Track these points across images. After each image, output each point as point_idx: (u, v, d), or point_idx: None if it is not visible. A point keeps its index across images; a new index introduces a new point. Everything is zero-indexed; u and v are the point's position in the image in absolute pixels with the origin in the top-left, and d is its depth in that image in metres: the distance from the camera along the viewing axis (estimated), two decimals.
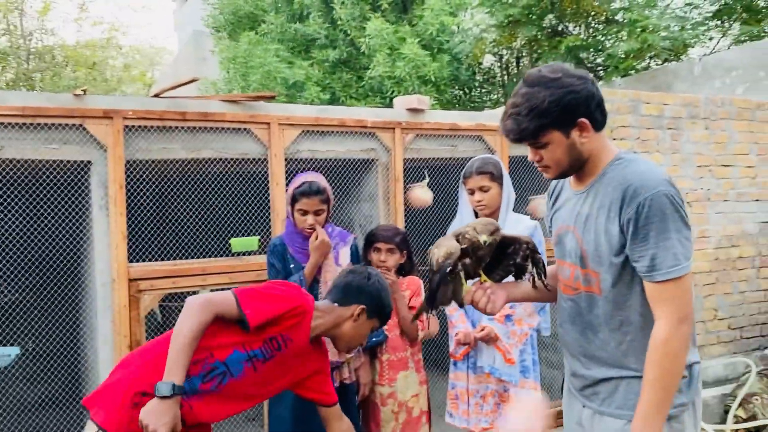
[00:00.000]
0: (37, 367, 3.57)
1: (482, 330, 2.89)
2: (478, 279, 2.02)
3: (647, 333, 1.71)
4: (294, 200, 2.83)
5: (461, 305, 2.06)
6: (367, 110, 3.66)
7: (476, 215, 2.98)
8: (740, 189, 5.13)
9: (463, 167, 3.06)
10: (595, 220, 1.77)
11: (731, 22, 8.54)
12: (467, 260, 1.98)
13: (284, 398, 2.85)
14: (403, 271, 3.14)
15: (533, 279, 2.04)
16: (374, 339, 3.00)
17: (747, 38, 7.92)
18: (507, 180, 2.96)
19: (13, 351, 3.21)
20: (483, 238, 1.93)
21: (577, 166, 1.81)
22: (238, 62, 9.39)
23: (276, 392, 2.24)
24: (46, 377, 4.36)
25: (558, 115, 1.70)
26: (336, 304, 2.22)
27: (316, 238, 2.81)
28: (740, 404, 4.27)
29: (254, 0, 10.94)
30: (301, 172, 3.00)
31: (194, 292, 3.17)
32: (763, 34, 7.85)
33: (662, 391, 1.65)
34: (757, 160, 5.21)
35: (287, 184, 3.33)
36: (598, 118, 1.76)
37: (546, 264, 2.09)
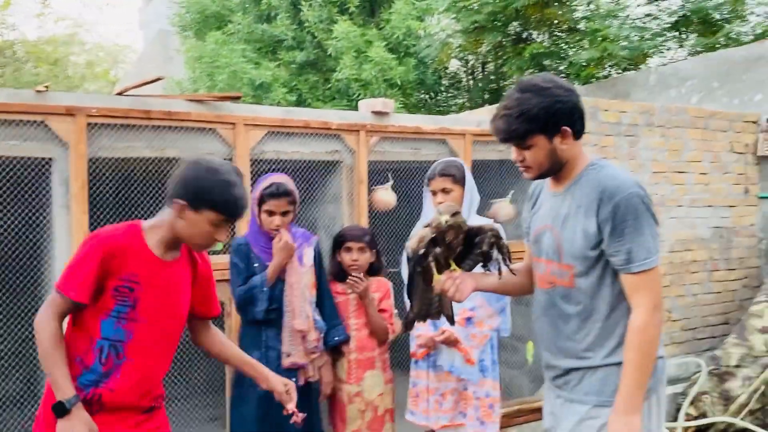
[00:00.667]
0: None
1: (443, 333, 2.95)
2: (450, 269, 2.11)
3: (611, 323, 1.91)
4: (261, 201, 2.86)
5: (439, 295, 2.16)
6: (333, 112, 3.71)
7: None
8: (694, 195, 5.31)
9: (427, 170, 3.12)
10: (573, 219, 1.93)
11: (688, 34, 8.82)
12: (438, 249, 2.05)
13: (248, 397, 2.87)
14: (372, 270, 3.18)
15: (499, 266, 2.13)
16: (336, 338, 3.03)
17: (702, 49, 8.19)
18: (470, 183, 3.03)
19: None
20: (444, 218, 2.02)
21: (556, 169, 1.97)
22: (204, 62, 9.34)
23: (184, 315, 2.16)
24: (4, 376, 4.29)
25: (545, 121, 1.87)
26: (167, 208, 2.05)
27: (280, 240, 2.84)
28: (691, 402, 4.43)
29: (221, 0, 10.89)
30: (267, 173, 3.03)
31: None
32: (717, 46, 8.13)
33: (640, 372, 1.83)
34: (709, 167, 5.40)
35: (252, 185, 3.35)
36: (578, 128, 1.94)
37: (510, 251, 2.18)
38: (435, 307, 2.21)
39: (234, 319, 3.28)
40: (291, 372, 2.87)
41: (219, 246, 3.32)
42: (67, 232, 2.92)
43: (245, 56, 9.18)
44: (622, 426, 1.81)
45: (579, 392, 1.96)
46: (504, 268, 2.14)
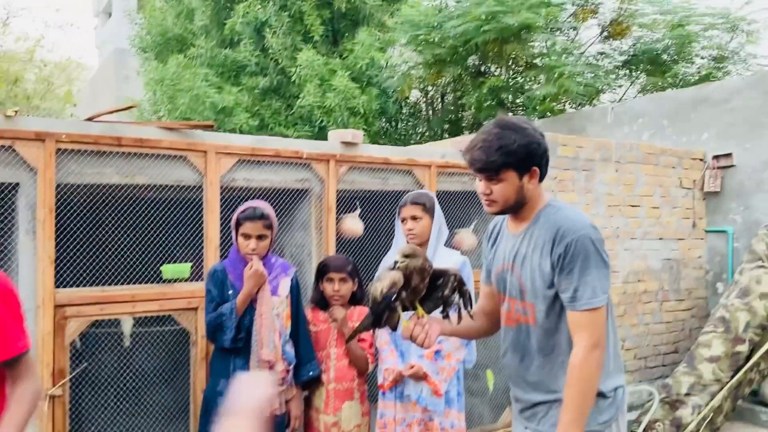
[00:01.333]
0: None
1: (411, 368, 2.99)
2: (413, 312, 2.12)
3: (568, 360, 1.95)
4: (238, 224, 2.87)
5: (394, 329, 2.19)
6: (303, 142, 3.75)
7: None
8: (646, 228, 5.53)
9: (394, 199, 3.18)
10: (530, 259, 2.01)
11: (638, 72, 9.23)
12: (404, 293, 2.08)
13: (212, 426, 2.84)
14: (355, 299, 3.21)
15: (459, 311, 2.17)
16: (310, 374, 3.03)
17: (652, 88, 8.59)
18: (439, 214, 3.12)
19: None
20: (397, 257, 2.05)
21: (518, 207, 2.04)
22: (166, 85, 9.27)
23: None
24: None
25: (521, 158, 1.96)
26: None
27: (251, 267, 2.84)
28: (644, 430, 4.56)
29: (183, 23, 10.87)
30: (237, 200, 3.04)
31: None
32: (666, 86, 8.53)
33: (578, 408, 1.88)
34: (660, 201, 5.64)
35: (222, 212, 3.36)
36: (544, 171, 2.04)
37: (473, 297, 2.23)
38: (370, 325, 2.25)
39: (200, 348, 3.26)
40: None
41: (186, 273, 3.32)
42: (33, 258, 2.87)
43: (208, 80, 9.17)
44: None
45: (546, 424, 2.02)
46: (464, 313, 2.17)
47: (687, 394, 4.70)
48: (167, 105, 9.41)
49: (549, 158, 2.06)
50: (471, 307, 2.19)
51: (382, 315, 2.11)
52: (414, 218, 3.05)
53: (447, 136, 9.94)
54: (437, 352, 3.05)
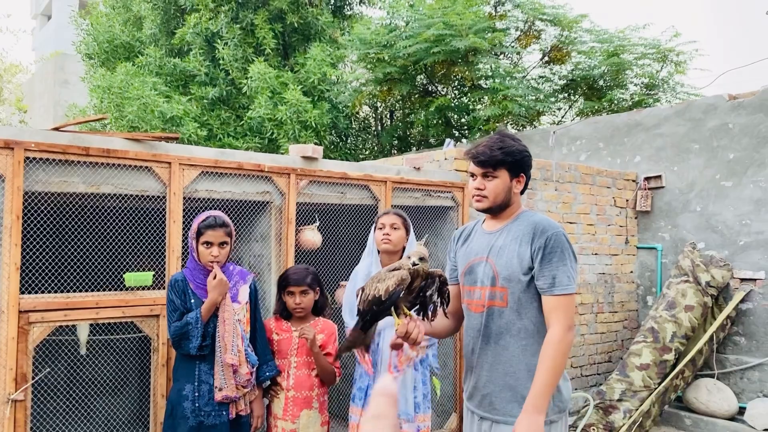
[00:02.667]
0: None
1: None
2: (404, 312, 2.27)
3: (536, 339, 2.22)
4: (199, 234, 2.97)
5: (368, 347, 2.37)
6: (264, 156, 3.88)
7: (378, 253, 3.31)
8: (582, 244, 5.89)
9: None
10: (509, 248, 2.28)
11: (576, 96, 9.74)
12: (403, 293, 2.22)
13: (179, 429, 2.93)
14: (317, 308, 3.32)
15: (434, 309, 2.34)
16: (267, 374, 3.13)
17: (589, 111, 9.07)
18: (412, 235, 3.36)
19: None
20: (414, 259, 2.20)
21: (501, 208, 2.34)
22: (113, 92, 9.17)
23: None
24: None
25: (516, 161, 2.29)
26: None
27: (215, 277, 2.95)
28: None
29: (131, 30, 10.78)
30: (200, 211, 3.14)
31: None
32: (602, 110, 9.03)
33: (551, 378, 2.12)
34: (596, 219, 6.02)
35: (184, 222, 3.45)
36: (526, 183, 2.37)
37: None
38: (361, 342, 2.39)
39: (161, 354, 3.33)
40: (222, 405, 2.97)
41: (149, 281, 3.39)
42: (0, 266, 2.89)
43: (156, 89, 9.14)
44: (528, 424, 2.08)
45: (506, 414, 2.23)
46: (439, 311, 2.36)
47: (619, 400, 5.03)
48: (114, 113, 9.31)
49: (531, 175, 2.38)
50: (447, 306, 2.39)
51: (382, 315, 2.23)
52: (393, 226, 3.25)
53: (395, 152, 10.19)
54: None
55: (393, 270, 2.26)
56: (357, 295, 2.37)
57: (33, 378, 2.97)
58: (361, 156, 10.51)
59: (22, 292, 2.98)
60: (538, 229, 2.23)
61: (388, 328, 3.27)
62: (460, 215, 4.77)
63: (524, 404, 2.13)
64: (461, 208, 4.76)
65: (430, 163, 5.13)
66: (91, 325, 3.22)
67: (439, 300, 2.34)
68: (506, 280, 2.25)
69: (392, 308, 2.24)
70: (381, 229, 3.29)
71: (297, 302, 3.21)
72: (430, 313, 2.34)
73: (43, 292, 3.11)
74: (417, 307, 2.35)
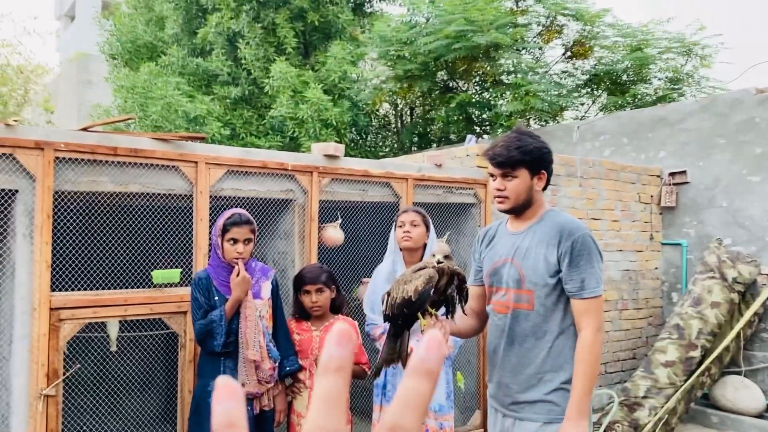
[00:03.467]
0: None
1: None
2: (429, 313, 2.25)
3: (561, 341, 2.22)
4: (224, 231, 3.00)
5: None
6: (288, 154, 3.91)
7: (400, 251, 3.32)
8: (607, 240, 5.84)
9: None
10: (535, 251, 2.25)
11: (599, 91, 9.65)
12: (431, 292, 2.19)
13: (203, 426, 2.97)
14: (334, 306, 3.34)
15: (454, 308, 2.32)
16: (288, 368, 3.16)
17: (612, 107, 8.99)
18: (432, 231, 3.37)
19: None
20: (438, 257, 2.19)
21: (524, 207, 2.30)
22: (137, 92, 9.30)
23: None
24: None
25: (535, 159, 2.24)
26: None
27: (238, 275, 2.98)
28: (605, 431, 4.83)
29: (153, 30, 10.90)
30: (226, 209, 3.19)
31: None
32: (625, 105, 8.94)
33: (589, 383, 2.14)
34: (620, 215, 5.96)
35: (211, 220, 3.49)
36: (548, 179, 2.32)
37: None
38: (397, 353, 2.26)
39: (188, 351, 3.38)
40: (246, 401, 3.01)
41: (176, 278, 3.44)
42: (29, 262, 2.96)
43: (179, 89, 9.24)
44: (575, 430, 2.09)
45: (529, 411, 2.24)
46: (460, 312, 2.35)
47: (644, 397, 4.99)
48: (138, 113, 9.43)
49: (553, 170, 2.34)
50: (465, 303, 2.36)
51: (413, 317, 2.18)
52: (413, 224, 3.26)
53: (415, 149, 10.19)
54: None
55: (418, 270, 2.24)
56: (383, 302, 2.32)
57: (64, 374, 3.04)
58: (381, 153, 10.53)
59: (53, 290, 3.04)
60: (564, 231, 2.21)
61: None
62: (482, 212, 4.76)
63: (567, 411, 2.14)
64: (483, 205, 4.75)
65: (451, 160, 5.13)
66: (120, 322, 3.28)
67: (458, 298, 2.32)
68: (532, 284, 2.25)
69: (428, 307, 2.21)
70: (401, 227, 3.30)
71: (313, 301, 3.23)
72: (452, 312, 2.33)
73: (73, 290, 3.18)
74: (440, 307, 2.32)
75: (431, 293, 2.19)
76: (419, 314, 2.22)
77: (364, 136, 10.65)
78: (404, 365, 2.32)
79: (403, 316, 2.22)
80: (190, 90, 9.46)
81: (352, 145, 10.07)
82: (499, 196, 2.30)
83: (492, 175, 2.31)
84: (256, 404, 3.05)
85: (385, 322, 2.34)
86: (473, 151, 5.03)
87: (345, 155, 4.96)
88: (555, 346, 2.23)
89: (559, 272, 2.21)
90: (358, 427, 4.10)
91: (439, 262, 2.19)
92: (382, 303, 2.33)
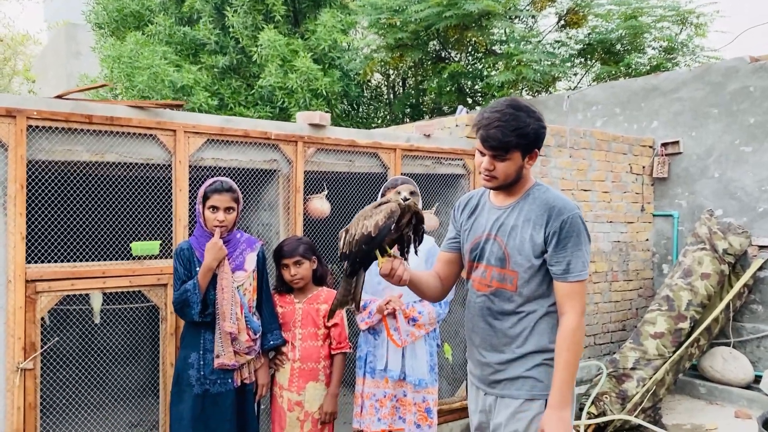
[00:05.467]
0: None
1: (387, 303, 3.19)
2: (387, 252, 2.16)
3: (544, 322, 2.16)
4: (205, 198, 2.93)
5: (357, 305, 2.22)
6: (271, 123, 3.81)
7: None
8: (597, 211, 5.79)
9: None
10: (521, 230, 2.15)
11: (593, 61, 9.52)
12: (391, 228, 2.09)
13: (184, 396, 2.93)
14: (317, 278, 3.28)
15: (408, 248, 2.21)
16: (272, 342, 3.12)
17: (606, 76, 8.87)
18: (420, 203, 3.30)
19: None
20: (404, 193, 2.09)
21: (512, 184, 2.18)
22: (123, 62, 9.11)
23: None
24: None
25: (530, 141, 2.10)
26: None
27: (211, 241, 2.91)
28: (593, 402, 4.83)
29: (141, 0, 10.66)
30: (206, 179, 3.11)
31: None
32: (619, 75, 8.83)
33: (571, 370, 2.08)
34: (611, 186, 5.90)
35: (191, 191, 3.41)
36: (540, 154, 2.20)
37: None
38: (351, 294, 2.21)
39: (169, 324, 3.32)
40: (227, 373, 2.96)
41: (155, 251, 3.37)
42: (3, 233, 2.88)
43: (166, 58, 9.06)
44: (556, 420, 2.04)
45: (511, 388, 2.18)
46: (411, 251, 2.22)
47: (633, 368, 4.98)
48: (125, 83, 9.26)
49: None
50: (418, 246, 2.25)
51: (371, 255, 2.09)
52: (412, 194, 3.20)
53: (408, 120, 10.07)
54: (414, 319, 3.21)
55: (379, 205, 2.12)
56: (340, 239, 2.20)
57: (42, 347, 2.98)
58: (373, 125, 10.41)
59: (29, 262, 2.97)
60: (553, 210, 2.10)
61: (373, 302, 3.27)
62: (471, 183, 4.69)
63: (549, 400, 2.08)
64: (472, 176, 4.68)
65: (441, 130, 5.04)
66: (104, 294, 3.22)
67: (414, 238, 2.21)
68: (517, 264, 2.15)
69: (386, 246, 2.10)
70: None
71: (292, 273, 3.18)
72: (408, 253, 2.22)
73: (49, 262, 3.10)
74: (394, 247, 2.21)
75: (391, 229, 2.08)
76: (377, 252, 2.11)
77: (356, 107, 10.51)
78: (357, 308, 2.28)
79: (361, 254, 2.11)
80: (177, 59, 9.28)
81: (344, 116, 9.94)
82: (487, 175, 2.16)
83: (481, 152, 2.16)
84: (237, 377, 3.00)
85: (341, 260, 2.23)
86: (463, 121, 4.94)
87: (335, 125, 4.86)
88: (537, 325, 2.16)
89: (544, 253, 2.12)
90: (343, 398, 4.07)
91: (405, 199, 2.08)
92: (339, 240, 2.19)
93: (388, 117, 10.39)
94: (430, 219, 4.29)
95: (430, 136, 4.49)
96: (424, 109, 10.22)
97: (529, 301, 2.17)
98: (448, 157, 4.57)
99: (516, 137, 2.07)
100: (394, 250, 2.19)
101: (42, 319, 3.02)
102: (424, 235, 3.33)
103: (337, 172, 4.07)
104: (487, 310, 2.24)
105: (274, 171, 3.80)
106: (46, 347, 3.04)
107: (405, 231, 2.16)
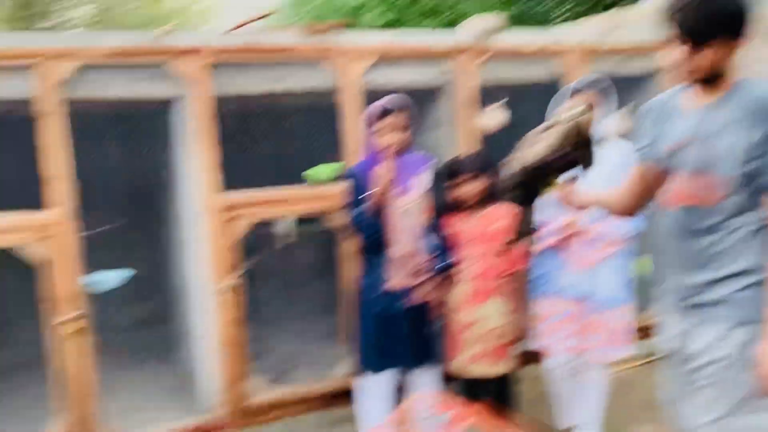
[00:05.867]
0: (129, 291, 3.87)
1: (566, 224, 3.00)
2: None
3: (750, 238, 1.85)
4: (375, 120, 2.90)
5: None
6: (437, 36, 3.65)
7: None
8: None
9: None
10: (731, 132, 1.82)
11: None
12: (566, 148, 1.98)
13: (365, 314, 3.02)
14: (492, 195, 3.11)
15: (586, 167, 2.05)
16: (445, 262, 3.04)
17: None
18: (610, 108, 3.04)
19: (127, 273, 3.50)
20: (577, 110, 1.94)
21: (712, 79, 1.85)
22: None
23: None
24: (142, 299, 4.74)
25: (734, 26, 1.77)
26: None
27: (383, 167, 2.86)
28: None
29: None
30: (375, 101, 3.06)
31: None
32: None
33: None
34: None
35: (358, 115, 3.41)
36: (744, 39, 1.81)
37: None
38: (528, 224, 2.16)
39: (346, 246, 3.43)
40: (398, 295, 2.96)
41: (333, 175, 3.45)
42: (198, 165, 3.11)
43: None
44: None
45: (715, 312, 1.92)
46: (591, 171, 2.06)
47: None
48: (296, 10, 9.48)
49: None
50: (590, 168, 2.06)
51: (545, 180, 2.01)
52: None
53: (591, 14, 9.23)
54: (598, 238, 3.02)
55: (549, 128, 1.96)
56: (508, 167, 2.09)
57: (244, 267, 3.24)
58: (552, 24, 9.68)
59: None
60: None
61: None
62: (661, 83, 4.18)
63: (763, 328, 1.81)
64: (662, 76, 4.16)
65: (625, 24, 4.51)
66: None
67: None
68: (722, 172, 1.84)
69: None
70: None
71: (468, 190, 3.05)
72: (585, 172, 2.05)
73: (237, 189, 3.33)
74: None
75: (562, 155, 1.93)
76: (549, 178, 1.99)
77: (534, 5, 9.76)
78: (532, 236, 2.20)
79: (535, 179, 1.99)
80: None
81: (521, 16, 9.31)
82: (685, 69, 1.84)
83: (674, 42, 1.83)
84: (411, 298, 2.99)
85: (512, 190, 2.11)
86: (653, 10, 4.36)
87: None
88: (745, 242, 1.86)
89: (756, 158, 1.78)
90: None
91: (581, 114, 1.89)
92: (508, 169, 2.07)
93: (568, 14, 9.59)
94: (621, 122, 3.90)
95: (614, 32, 4.03)
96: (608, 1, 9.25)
97: (735, 215, 1.86)
98: (636, 55, 4.09)
99: (717, 19, 1.74)
100: (569, 174, 2.01)
101: (243, 239, 3.26)
102: (615, 144, 3.05)
103: (510, 83, 3.82)
104: (684, 227, 1.97)
105: (442, 86, 3.67)
106: (248, 266, 3.29)
107: (577, 152, 1.96)
